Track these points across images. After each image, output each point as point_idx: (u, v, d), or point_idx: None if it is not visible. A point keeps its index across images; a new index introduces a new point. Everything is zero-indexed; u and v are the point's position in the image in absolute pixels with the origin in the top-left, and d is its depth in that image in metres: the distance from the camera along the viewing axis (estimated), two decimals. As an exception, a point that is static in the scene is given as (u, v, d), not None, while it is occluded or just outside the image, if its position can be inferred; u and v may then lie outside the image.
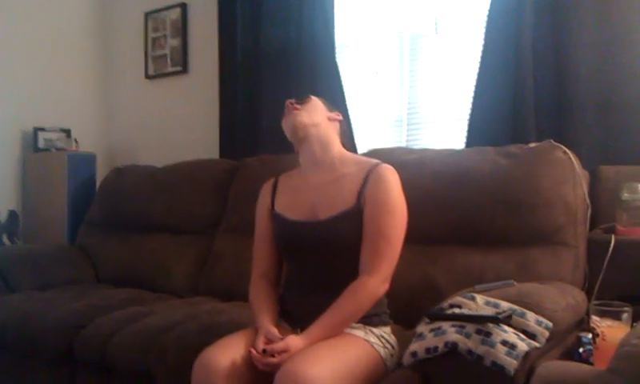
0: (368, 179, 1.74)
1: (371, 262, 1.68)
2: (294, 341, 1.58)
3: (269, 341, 1.60)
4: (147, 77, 3.89)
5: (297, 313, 1.75)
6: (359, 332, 1.67)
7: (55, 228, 3.50)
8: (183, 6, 3.69)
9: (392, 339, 1.75)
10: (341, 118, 1.92)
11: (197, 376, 1.56)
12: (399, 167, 1.82)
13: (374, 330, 1.71)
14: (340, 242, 1.71)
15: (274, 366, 1.52)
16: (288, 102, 1.86)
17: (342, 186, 1.77)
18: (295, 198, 1.83)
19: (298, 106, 1.83)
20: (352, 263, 1.71)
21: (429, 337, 1.53)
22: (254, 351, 1.57)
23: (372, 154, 2.45)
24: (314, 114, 1.84)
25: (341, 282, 1.68)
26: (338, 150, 1.86)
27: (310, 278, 1.77)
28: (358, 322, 1.69)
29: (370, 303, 1.68)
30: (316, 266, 1.74)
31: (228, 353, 1.57)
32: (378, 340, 1.68)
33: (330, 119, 1.87)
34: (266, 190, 1.94)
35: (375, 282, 1.67)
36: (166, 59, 3.79)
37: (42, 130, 3.62)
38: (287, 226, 1.81)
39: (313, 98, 1.89)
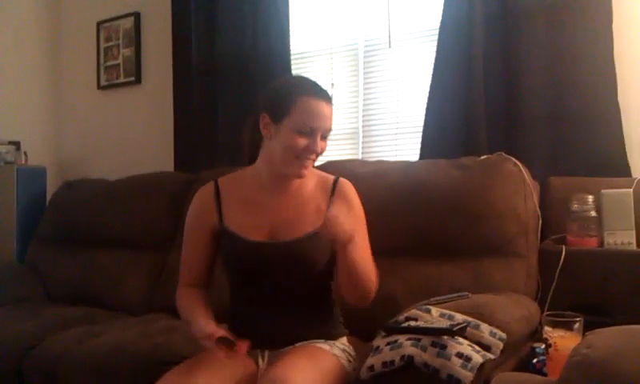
0: (334, 200, 1.73)
1: None
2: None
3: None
4: (99, 87, 3.81)
5: (260, 332, 1.70)
6: (325, 346, 1.68)
7: (4, 245, 3.38)
8: (137, 16, 3.64)
9: (351, 350, 1.76)
10: None
11: None
12: (354, 180, 1.84)
13: (336, 343, 1.72)
14: (312, 261, 1.69)
15: None
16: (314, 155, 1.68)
17: (305, 207, 1.73)
18: (250, 216, 1.73)
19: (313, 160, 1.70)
20: (318, 281, 1.74)
21: (385, 350, 1.53)
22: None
23: (327, 166, 2.46)
24: None
25: (307, 299, 1.72)
26: None
27: (273, 297, 1.71)
28: (321, 336, 1.71)
29: (373, 284, 1.68)
30: (280, 286, 1.69)
31: (189, 380, 1.52)
32: (341, 353, 1.70)
33: None
34: (205, 201, 1.78)
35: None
36: (119, 69, 3.72)
37: (-11, 142, 3.51)
38: (247, 246, 1.70)
39: None
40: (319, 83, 1.70)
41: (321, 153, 1.68)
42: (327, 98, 1.66)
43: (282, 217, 1.72)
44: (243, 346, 1.54)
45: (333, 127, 1.69)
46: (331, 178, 1.79)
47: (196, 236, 1.78)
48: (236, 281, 1.79)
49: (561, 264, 1.91)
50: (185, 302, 1.74)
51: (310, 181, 1.77)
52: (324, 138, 1.67)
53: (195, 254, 1.78)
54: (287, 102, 1.63)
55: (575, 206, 2.02)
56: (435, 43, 2.58)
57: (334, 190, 1.76)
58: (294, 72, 3.00)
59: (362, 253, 1.66)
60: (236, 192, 1.78)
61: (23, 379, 2.25)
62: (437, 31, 2.57)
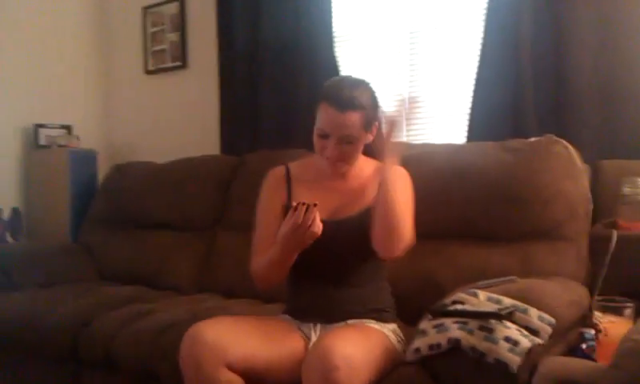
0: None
1: None
2: None
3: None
4: (147, 72, 3.88)
5: (314, 308, 1.80)
6: (375, 325, 1.75)
7: (58, 225, 3.49)
8: (181, 1, 3.68)
9: (401, 333, 1.81)
10: (376, 128, 1.83)
11: (184, 347, 1.60)
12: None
13: (387, 325, 1.78)
14: (367, 235, 1.72)
15: None
16: (332, 158, 1.77)
17: (362, 190, 1.84)
18: (314, 197, 1.77)
19: (342, 161, 1.79)
20: (373, 261, 1.80)
21: (432, 333, 1.54)
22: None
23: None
24: (358, 156, 1.83)
25: (362, 279, 1.81)
26: (362, 158, 1.88)
27: (330, 275, 1.79)
28: (371, 317, 1.77)
29: (406, 234, 1.70)
30: (337, 263, 1.78)
31: (215, 326, 1.62)
32: (391, 333, 1.76)
33: (367, 140, 1.81)
34: (277, 181, 1.91)
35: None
36: (165, 54, 3.78)
37: (43, 126, 3.62)
38: None
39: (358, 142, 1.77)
40: (347, 89, 1.74)
41: (340, 158, 1.77)
42: (345, 107, 1.71)
43: (341, 198, 1.84)
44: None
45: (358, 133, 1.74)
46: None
47: (270, 214, 1.87)
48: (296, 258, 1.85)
49: (611, 248, 1.87)
50: (261, 258, 1.81)
51: (368, 168, 1.88)
52: (347, 143, 1.74)
53: (271, 230, 1.83)
54: (316, 104, 1.79)
55: (626, 189, 1.96)
56: (482, 24, 2.54)
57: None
58: (338, 56, 2.99)
59: (400, 207, 1.70)
60: (303, 175, 1.91)
61: (79, 355, 2.33)
62: (484, 12, 2.53)
